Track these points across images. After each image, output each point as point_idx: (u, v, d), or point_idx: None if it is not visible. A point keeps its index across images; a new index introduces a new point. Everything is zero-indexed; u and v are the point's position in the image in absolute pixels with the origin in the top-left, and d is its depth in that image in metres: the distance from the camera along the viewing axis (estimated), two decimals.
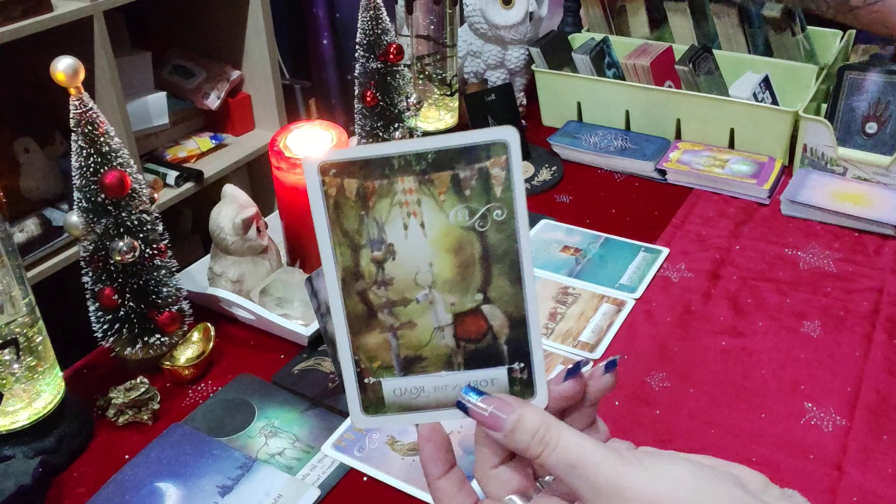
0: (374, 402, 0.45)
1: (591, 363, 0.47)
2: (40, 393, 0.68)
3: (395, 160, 0.42)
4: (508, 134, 0.41)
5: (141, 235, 0.73)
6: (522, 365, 0.44)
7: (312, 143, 0.84)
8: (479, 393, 0.43)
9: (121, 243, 0.71)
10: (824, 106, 1.10)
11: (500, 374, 0.44)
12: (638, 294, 0.88)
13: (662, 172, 1.11)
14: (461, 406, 0.43)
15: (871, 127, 1.05)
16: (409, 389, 0.44)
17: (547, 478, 0.44)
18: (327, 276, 0.43)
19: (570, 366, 0.45)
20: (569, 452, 0.40)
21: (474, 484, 0.44)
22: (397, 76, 1.02)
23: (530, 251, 0.43)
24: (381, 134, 1.04)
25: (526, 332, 0.44)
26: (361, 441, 0.70)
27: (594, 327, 0.83)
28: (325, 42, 2.21)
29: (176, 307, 0.78)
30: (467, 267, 0.43)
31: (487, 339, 0.44)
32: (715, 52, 1.19)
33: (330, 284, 0.43)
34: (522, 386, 0.44)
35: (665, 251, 0.95)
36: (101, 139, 0.69)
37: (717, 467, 0.42)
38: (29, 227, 1.50)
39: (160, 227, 0.75)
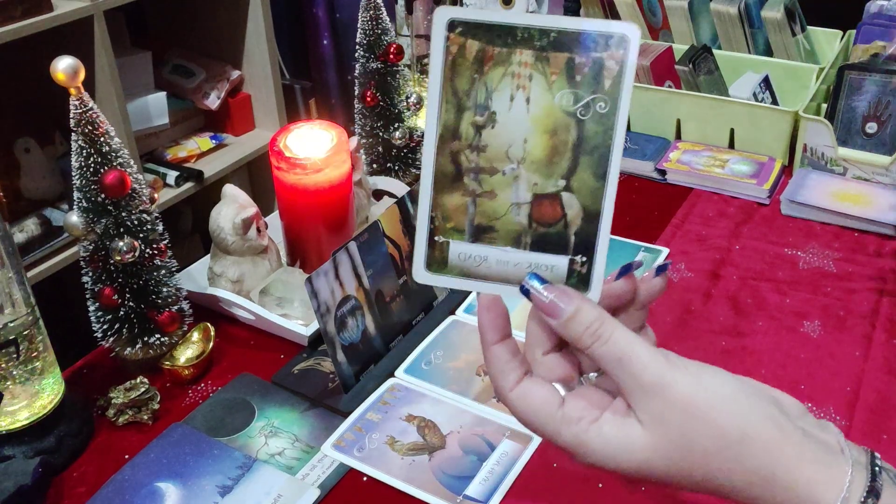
0: (437, 261, 0.46)
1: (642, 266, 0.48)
2: (40, 393, 0.68)
3: (520, 31, 0.43)
4: (631, 30, 0.43)
5: (141, 235, 0.73)
6: (584, 259, 0.45)
7: (312, 143, 0.84)
8: (543, 281, 0.45)
9: (121, 243, 0.71)
10: (824, 106, 1.10)
11: (561, 262, 0.45)
12: None
13: (662, 172, 1.11)
14: (523, 290, 0.45)
15: (871, 127, 1.05)
16: (474, 257, 0.46)
17: (591, 375, 0.46)
18: (427, 129, 0.45)
19: (623, 266, 0.47)
20: (619, 347, 0.42)
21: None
22: (397, 76, 1.02)
23: (621, 150, 0.44)
24: (381, 134, 1.04)
25: (597, 228, 0.45)
26: (361, 441, 0.70)
27: None
28: (325, 42, 2.21)
29: (176, 307, 0.78)
30: (558, 152, 0.44)
31: (559, 227, 0.45)
32: (715, 52, 1.19)
33: (428, 138, 0.45)
34: (578, 279, 0.45)
35: (665, 251, 0.95)
36: (102, 139, 0.69)
37: (759, 387, 0.44)
38: (29, 227, 1.50)
39: (160, 227, 0.75)
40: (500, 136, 0.44)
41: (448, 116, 0.44)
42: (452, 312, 0.85)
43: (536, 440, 0.69)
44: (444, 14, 0.43)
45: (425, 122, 0.45)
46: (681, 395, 0.41)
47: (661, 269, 0.47)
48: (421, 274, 0.46)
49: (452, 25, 0.43)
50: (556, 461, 0.68)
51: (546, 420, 0.44)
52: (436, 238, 0.46)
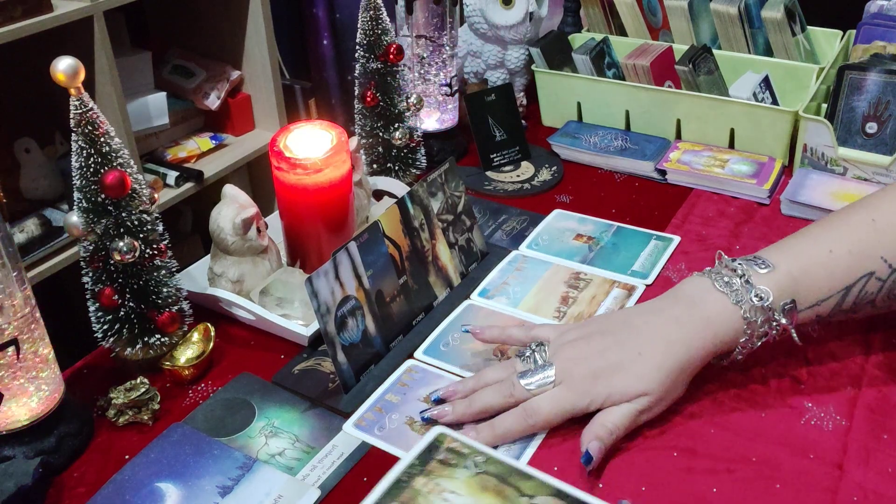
0: None
1: None
2: (40, 393, 0.68)
3: (403, 480, 0.57)
4: (440, 429, 0.62)
5: (141, 235, 0.73)
6: None
7: (312, 144, 0.84)
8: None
9: (121, 243, 0.71)
10: (824, 106, 1.10)
11: None
12: (650, 280, 0.89)
13: (662, 172, 1.11)
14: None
15: (871, 127, 1.05)
16: None
17: None
18: None
19: None
20: None
21: None
22: (397, 76, 1.02)
23: (512, 456, 0.61)
24: (381, 134, 1.04)
25: (571, 493, 0.56)
26: (381, 421, 0.72)
27: (605, 310, 0.85)
28: (325, 42, 2.21)
29: (176, 307, 0.78)
30: (500, 492, 0.57)
31: None
32: (715, 52, 1.19)
33: None
34: None
35: (676, 239, 0.96)
36: (102, 139, 0.69)
37: None
38: (29, 227, 1.50)
39: (160, 227, 0.75)
40: None
41: None
42: (467, 297, 0.87)
43: (539, 438, 0.69)
44: None
45: None
46: None
47: None
48: None
49: None
50: (556, 465, 0.67)
51: None
52: None
